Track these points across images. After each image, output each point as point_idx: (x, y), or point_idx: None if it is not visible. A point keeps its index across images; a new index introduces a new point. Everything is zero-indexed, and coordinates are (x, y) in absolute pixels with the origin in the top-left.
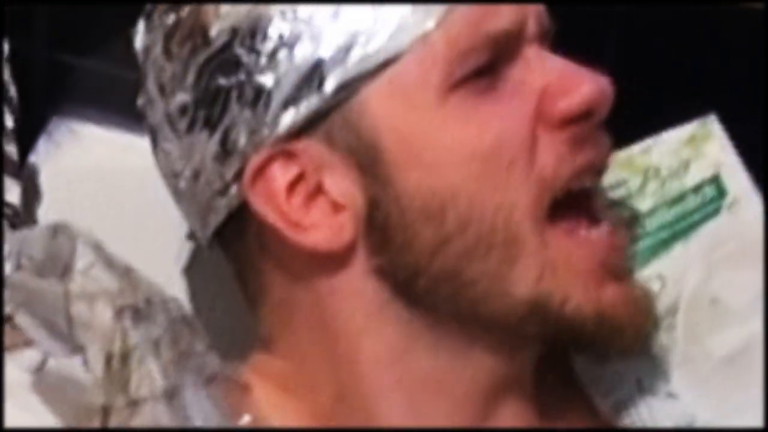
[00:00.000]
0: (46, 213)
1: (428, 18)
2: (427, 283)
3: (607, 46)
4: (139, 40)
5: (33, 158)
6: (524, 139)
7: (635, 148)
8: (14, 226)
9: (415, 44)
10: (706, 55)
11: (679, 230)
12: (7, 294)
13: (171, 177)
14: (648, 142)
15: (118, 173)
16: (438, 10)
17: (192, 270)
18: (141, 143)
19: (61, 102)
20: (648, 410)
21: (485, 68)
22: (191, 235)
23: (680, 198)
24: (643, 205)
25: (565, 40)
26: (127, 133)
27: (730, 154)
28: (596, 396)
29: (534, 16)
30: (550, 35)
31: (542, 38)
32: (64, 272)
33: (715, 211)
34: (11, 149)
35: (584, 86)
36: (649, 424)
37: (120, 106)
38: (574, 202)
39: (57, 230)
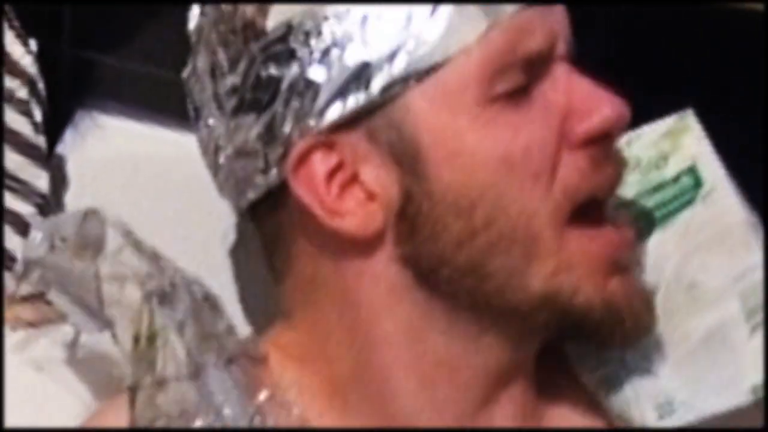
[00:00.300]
0: (72, 200)
1: (471, 32)
2: (450, 273)
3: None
4: (193, 21)
5: (60, 148)
6: (550, 153)
7: (618, 141)
8: (43, 213)
9: (457, 55)
10: (688, 53)
11: (662, 216)
12: (40, 273)
13: (211, 151)
14: (630, 135)
15: (139, 161)
16: (480, 25)
17: (215, 250)
18: (160, 133)
19: (86, 96)
20: (631, 387)
21: (521, 88)
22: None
23: (659, 187)
24: (626, 194)
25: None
26: (147, 124)
27: (706, 146)
28: (583, 372)
29: (563, 37)
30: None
31: (568, 56)
32: (94, 254)
33: (692, 200)
34: (40, 140)
35: (605, 109)
36: (632, 400)
37: (139, 99)
38: (589, 204)
39: (88, 215)
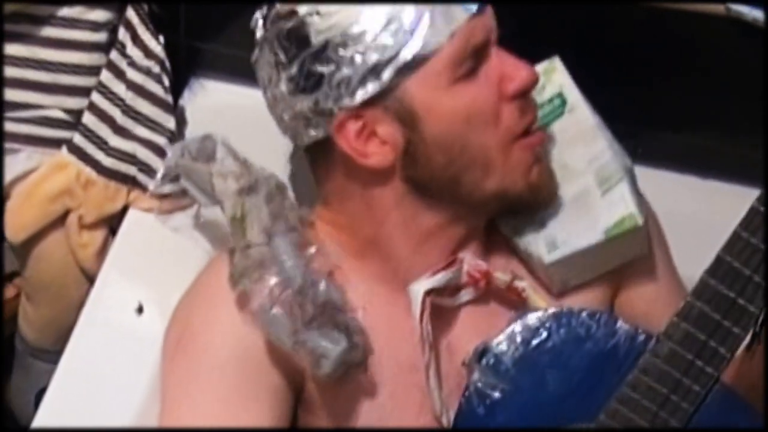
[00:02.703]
0: (189, 134)
1: (441, 38)
2: (437, 185)
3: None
4: (258, 26)
5: (181, 102)
6: (493, 108)
7: None
8: (171, 142)
9: (432, 55)
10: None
11: (542, 125)
12: (177, 170)
13: (276, 110)
14: None
15: (230, 108)
16: (447, 31)
17: (281, 161)
18: (242, 91)
19: (196, 69)
20: (531, 234)
21: (472, 69)
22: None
23: (540, 106)
24: None
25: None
26: (234, 86)
27: (568, 78)
28: (501, 226)
29: (493, 29)
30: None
31: (496, 41)
32: (208, 160)
33: (561, 113)
34: (168, 98)
35: (523, 74)
36: (532, 242)
37: (231, 70)
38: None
39: (204, 137)
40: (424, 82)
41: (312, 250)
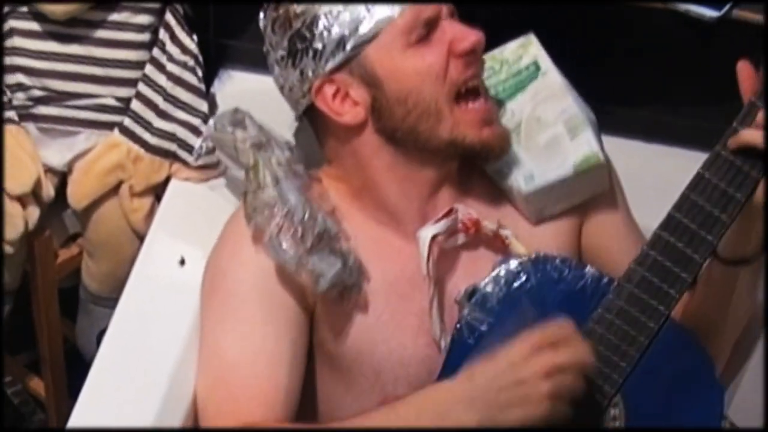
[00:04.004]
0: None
1: (394, 11)
2: (401, 134)
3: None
4: (261, 21)
5: (212, 90)
6: (442, 64)
7: (495, 51)
8: (205, 122)
9: (388, 26)
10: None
11: (519, 87)
12: (210, 141)
13: (278, 85)
14: (503, 47)
15: (253, 94)
16: (398, 8)
17: (290, 126)
18: (262, 79)
19: (223, 62)
20: (512, 171)
21: (423, 36)
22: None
23: (519, 72)
24: (502, 76)
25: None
26: (253, 74)
27: (541, 50)
28: (487, 168)
29: (447, 7)
30: (456, 12)
31: (452, 15)
32: (238, 126)
33: (536, 77)
34: (201, 86)
35: (471, 36)
36: (513, 177)
37: (252, 62)
38: (470, 90)
39: (235, 110)
40: (381, 50)
41: (314, 192)
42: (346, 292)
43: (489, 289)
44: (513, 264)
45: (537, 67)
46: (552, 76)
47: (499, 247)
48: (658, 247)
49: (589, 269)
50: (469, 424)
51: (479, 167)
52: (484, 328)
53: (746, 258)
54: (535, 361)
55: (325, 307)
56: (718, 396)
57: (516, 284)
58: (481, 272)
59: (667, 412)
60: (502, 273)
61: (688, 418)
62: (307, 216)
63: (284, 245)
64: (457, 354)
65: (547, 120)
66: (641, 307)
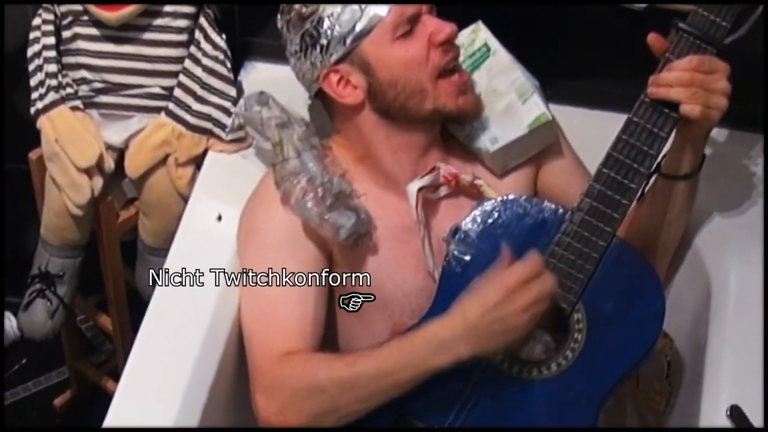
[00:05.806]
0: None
1: (383, 11)
2: (393, 111)
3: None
4: (279, 21)
5: (239, 78)
6: (424, 52)
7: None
8: (234, 104)
9: (378, 23)
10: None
11: (476, 66)
12: (241, 118)
13: (296, 74)
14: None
15: (273, 82)
16: (386, 8)
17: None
18: (281, 69)
19: (248, 56)
20: (479, 134)
21: (408, 31)
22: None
23: (473, 54)
24: (460, 58)
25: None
26: (276, 66)
27: (490, 34)
28: (458, 133)
29: (426, 5)
30: (435, 8)
31: (431, 11)
32: (263, 105)
33: (488, 57)
34: (230, 75)
35: (446, 29)
36: (480, 140)
37: (272, 55)
38: (449, 69)
39: (262, 93)
40: (374, 43)
41: (328, 160)
42: (360, 239)
43: (469, 226)
44: (487, 206)
45: (487, 48)
46: (501, 54)
47: (475, 194)
48: (601, 180)
49: (547, 204)
50: (464, 353)
51: (453, 136)
52: (467, 258)
53: (680, 174)
54: (514, 300)
55: (341, 252)
56: (658, 296)
57: (490, 221)
58: (462, 215)
59: (619, 313)
60: (479, 213)
61: (636, 316)
62: (326, 180)
63: (309, 204)
64: (448, 281)
65: (501, 90)
66: (592, 229)
